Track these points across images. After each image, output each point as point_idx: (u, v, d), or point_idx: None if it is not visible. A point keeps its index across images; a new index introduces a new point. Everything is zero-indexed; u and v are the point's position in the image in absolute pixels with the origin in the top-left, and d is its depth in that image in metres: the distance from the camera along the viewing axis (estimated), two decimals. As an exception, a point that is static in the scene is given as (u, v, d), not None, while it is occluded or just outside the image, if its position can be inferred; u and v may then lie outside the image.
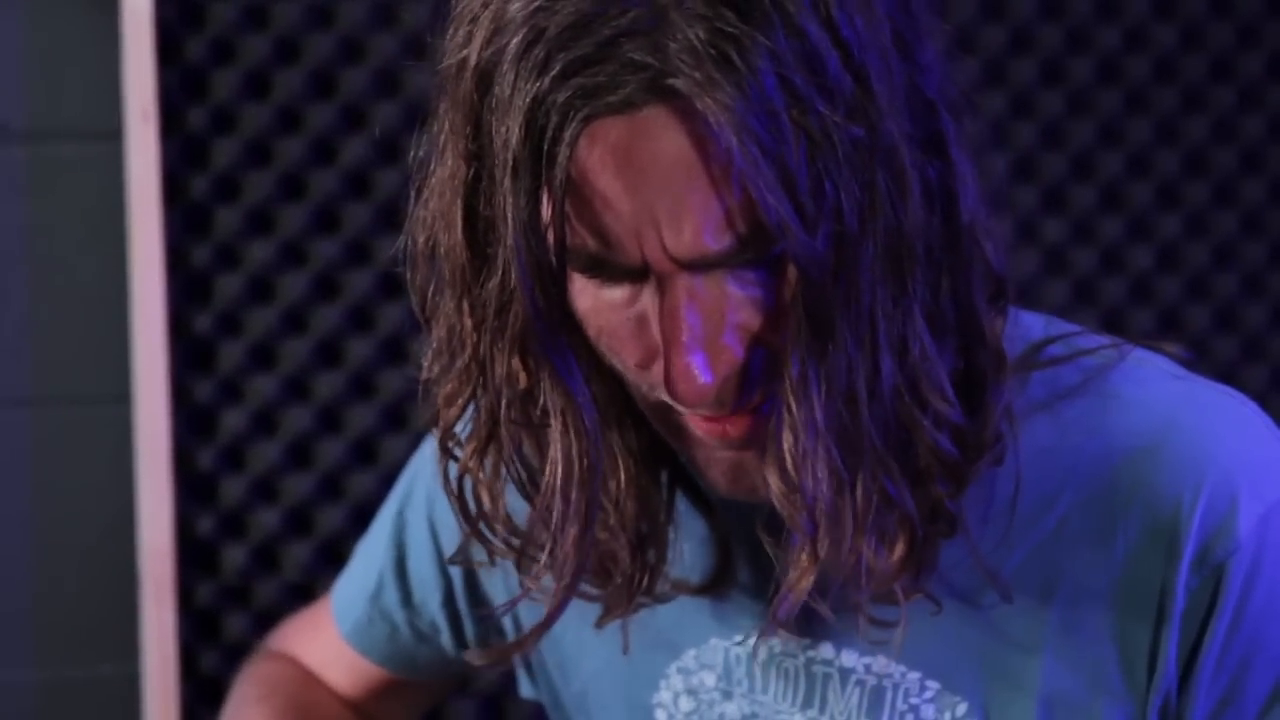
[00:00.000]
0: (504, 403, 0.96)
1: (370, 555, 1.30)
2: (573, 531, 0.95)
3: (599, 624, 1.08)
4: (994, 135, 1.90)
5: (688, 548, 1.09)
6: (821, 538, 0.93)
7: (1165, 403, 1.02)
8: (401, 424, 1.84)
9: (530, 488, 1.00)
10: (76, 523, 1.84)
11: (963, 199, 0.94)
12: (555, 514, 0.96)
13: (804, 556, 0.94)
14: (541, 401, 0.95)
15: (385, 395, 1.84)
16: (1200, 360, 1.90)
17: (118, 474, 1.81)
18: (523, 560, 1.03)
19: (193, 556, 1.83)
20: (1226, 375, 1.93)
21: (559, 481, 0.95)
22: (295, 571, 1.84)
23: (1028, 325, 1.05)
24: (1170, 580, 0.98)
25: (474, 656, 1.16)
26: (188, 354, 1.82)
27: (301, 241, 1.82)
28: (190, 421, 1.82)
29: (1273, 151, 1.97)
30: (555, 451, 0.95)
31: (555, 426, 0.95)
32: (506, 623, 1.21)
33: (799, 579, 0.95)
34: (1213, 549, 0.98)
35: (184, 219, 1.80)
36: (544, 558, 0.98)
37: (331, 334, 1.84)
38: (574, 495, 0.95)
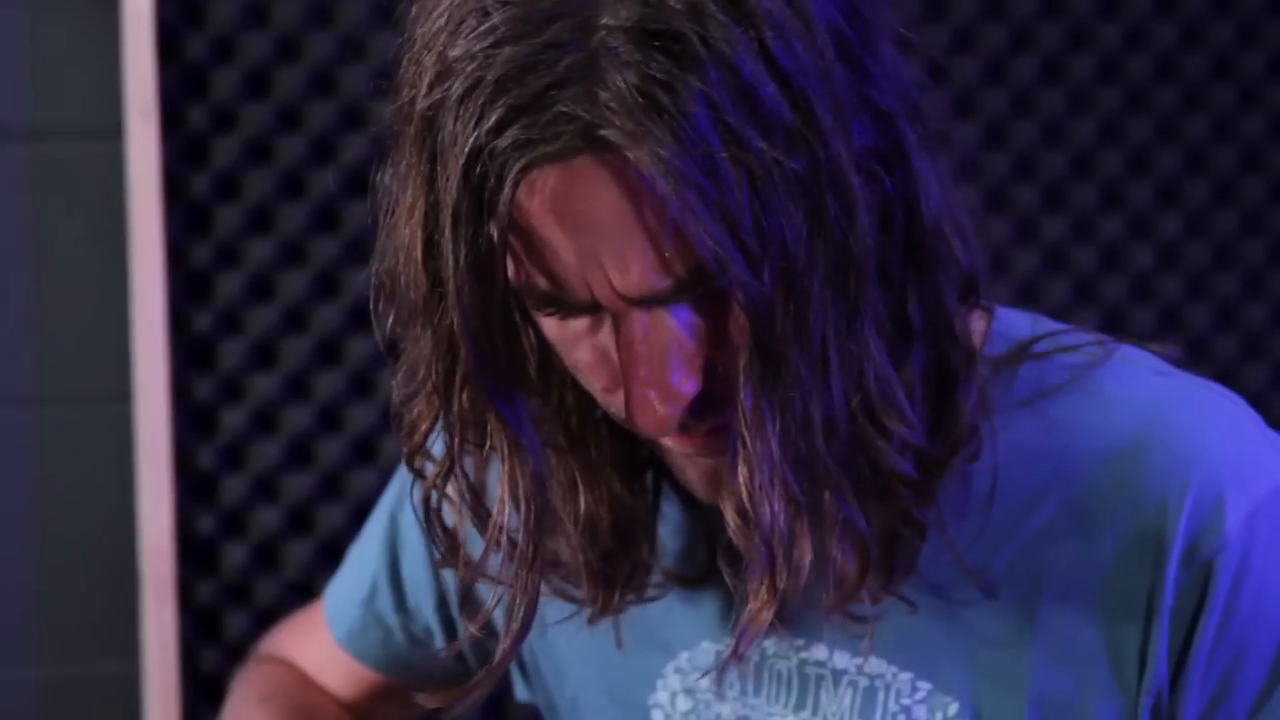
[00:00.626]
0: (459, 434, 0.97)
1: (363, 560, 1.30)
2: (522, 573, 0.96)
3: (590, 621, 1.08)
4: (993, 134, 1.90)
5: (675, 542, 1.10)
6: (779, 569, 0.93)
7: (1151, 400, 1.01)
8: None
9: (481, 523, 1.01)
10: (77, 521, 1.84)
11: (925, 203, 0.93)
12: (502, 553, 0.97)
13: (763, 590, 0.94)
14: (490, 438, 0.96)
15: (385, 394, 1.82)
16: (1200, 359, 1.92)
17: (118, 472, 1.81)
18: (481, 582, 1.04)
19: (193, 555, 1.83)
20: (1226, 374, 1.93)
21: (504, 523, 0.96)
22: (295, 570, 1.84)
23: (1013, 324, 1.05)
24: (1158, 578, 0.98)
25: (454, 649, 1.18)
26: (188, 353, 1.82)
27: (302, 240, 1.83)
28: (191, 420, 1.82)
29: (1273, 150, 1.97)
30: (503, 491, 0.96)
31: (503, 468, 0.95)
32: (499, 624, 1.21)
33: (759, 611, 0.95)
34: (1200, 546, 0.98)
35: (184, 218, 1.81)
36: (495, 591, 0.99)
37: (332, 333, 1.84)
38: (521, 538, 0.96)
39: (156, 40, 1.75)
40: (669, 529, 1.09)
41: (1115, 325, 1.93)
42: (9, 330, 1.81)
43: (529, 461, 0.94)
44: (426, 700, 1.06)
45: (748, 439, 0.90)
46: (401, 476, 1.27)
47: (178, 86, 1.79)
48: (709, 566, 1.08)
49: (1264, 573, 0.98)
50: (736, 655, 0.97)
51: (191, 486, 1.83)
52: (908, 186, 0.92)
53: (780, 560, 0.92)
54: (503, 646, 0.98)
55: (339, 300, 1.83)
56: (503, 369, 0.91)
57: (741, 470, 0.91)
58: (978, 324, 1.03)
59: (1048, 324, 1.06)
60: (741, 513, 0.92)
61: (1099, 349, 1.04)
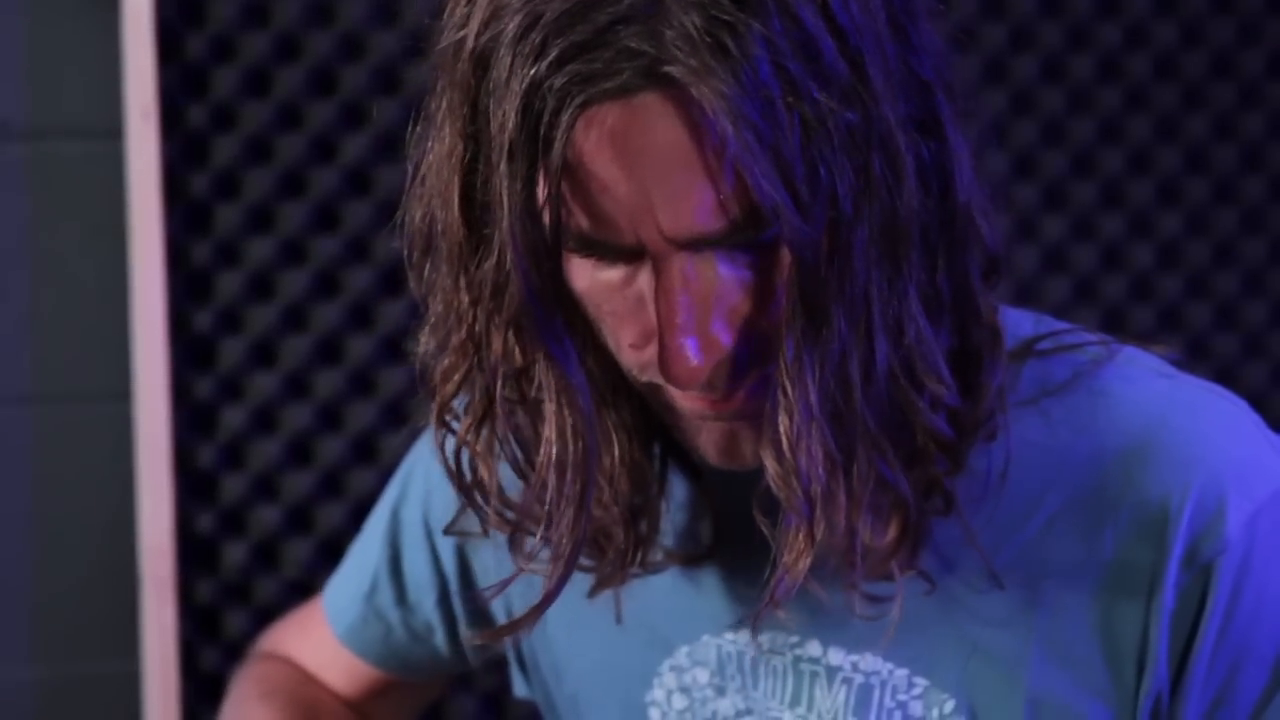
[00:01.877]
0: (499, 380, 0.96)
1: (364, 555, 1.30)
2: (569, 512, 0.96)
3: (591, 595, 1.08)
4: (994, 133, 1.90)
5: (679, 518, 1.10)
6: (818, 518, 0.93)
7: (1154, 401, 1.02)
8: (402, 421, 1.83)
9: (525, 465, 1.01)
10: (77, 520, 1.85)
11: (958, 178, 0.94)
12: (549, 493, 0.96)
13: (800, 537, 0.94)
14: (537, 381, 0.96)
15: (385, 393, 1.84)
16: (1200, 358, 1.92)
17: (118, 471, 1.81)
18: (516, 536, 1.03)
19: (193, 554, 1.83)
20: (1226, 373, 1.94)
21: (553, 463, 0.96)
22: (295, 569, 1.84)
23: (1017, 322, 1.05)
24: (1158, 580, 0.98)
25: (471, 639, 1.17)
26: (188, 351, 1.82)
27: (302, 239, 1.83)
28: (190, 419, 1.82)
29: (1273, 149, 1.97)
30: (550, 431, 0.95)
31: (550, 407, 0.95)
32: (499, 616, 1.21)
33: (795, 560, 0.95)
34: (1201, 548, 0.98)
35: (184, 217, 1.81)
36: (539, 535, 0.98)
37: (331, 332, 1.84)
38: (569, 476, 0.95)
39: (156, 39, 1.76)
40: (673, 506, 1.09)
41: (1115, 324, 1.93)
42: (9, 329, 1.81)
43: (578, 399, 0.94)
44: (470, 640, 1.10)
45: (788, 389, 0.90)
46: (405, 471, 1.27)
47: (178, 86, 1.79)
48: (711, 546, 1.08)
49: (1265, 575, 0.98)
50: (774, 602, 0.96)
51: (191, 485, 1.83)
52: (944, 158, 0.94)
53: (819, 509, 0.92)
54: (548, 588, 0.98)
55: (339, 299, 1.83)
56: (552, 306, 0.91)
57: (782, 419, 0.91)
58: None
59: (1050, 323, 1.06)
60: (780, 460, 0.92)
61: (1102, 349, 1.04)
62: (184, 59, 1.79)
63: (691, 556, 1.09)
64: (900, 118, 0.90)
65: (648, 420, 1.02)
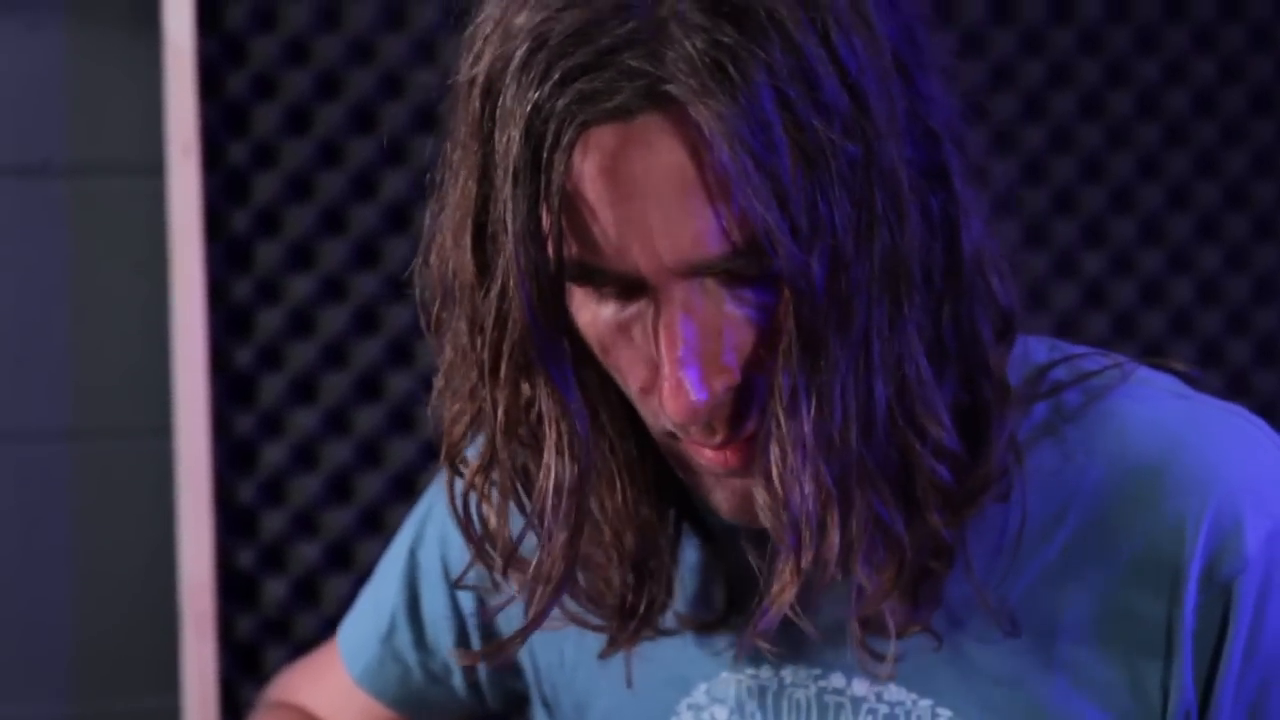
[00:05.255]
0: (504, 417, 0.96)
1: (380, 596, 1.29)
2: (561, 537, 0.95)
3: (603, 655, 1.08)
4: (1003, 138, 1.90)
5: (691, 583, 1.09)
6: (805, 550, 0.92)
7: (1169, 422, 1.01)
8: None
9: (529, 503, 1.00)
10: (117, 555, 1.85)
11: (965, 230, 0.94)
12: (545, 519, 0.96)
13: (787, 569, 0.93)
14: (538, 411, 0.95)
15: (424, 429, 1.84)
16: (1212, 365, 1.91)
17: (158, 507, 1.82)
18: (511, 570, 1.02)
19: (233, 590, 1.83)
20: (1238, 379, 1.93)
21: (550, 485, 0.95)
22: (335, 605, 1.84)
23: (1031, 349, 1.04)
24: (1177, 600, 0.97)
25: (463, 658, 1.18)
26: (228, 387, 1.82)
27: (342, 275, 1.83)
28: (231, 455, 1.83)
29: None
30: (548, 458, 0.95)
31: (549, 436, 0.95)
32: (524, 661, 1.20)
33: (781, 591, 0.94)
34: (1220, 568, 0.97)
35: (225, 253, 1.82)
36: (532, 567, 0.98)
37: (372, 368, 1.84)
38: (564, 501, 0.95)
39: (198, 77, 1.77)
40: (686, 570, 1.08)
41: (1126, 330, 1.94)
42: (51, 364, 1.82)
43: (575, 423, 0.94)
44: (463, 659, 1.10)
45: (782, 420, 0.90)
46: (421, 512, 1.26)
47: (219, 122, 1.80)
48: (725, 611, 1.08)
49: None
50: (756, 634, 0.96)
51: (231, 521, 1.83)
52: (950, 208, 0.93)
53: (807, 542, 0.91)
54: (535, 610, 0.98)
55: (379, 335, 1.84)
56: (554, 331, 0.91)
57: (774, 450, 0.90)
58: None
59: (1065, 348, 1.05)
60: (769, 490, 0.92)
61: (1116, 371, 1.03)
62: (225, 96, 1.80)
63: (705, 624, 1.08)
64: (904, 159, 0.89)
65: (662, 480, 1.02)
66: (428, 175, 0.97)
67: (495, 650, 1.11)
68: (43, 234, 1.81)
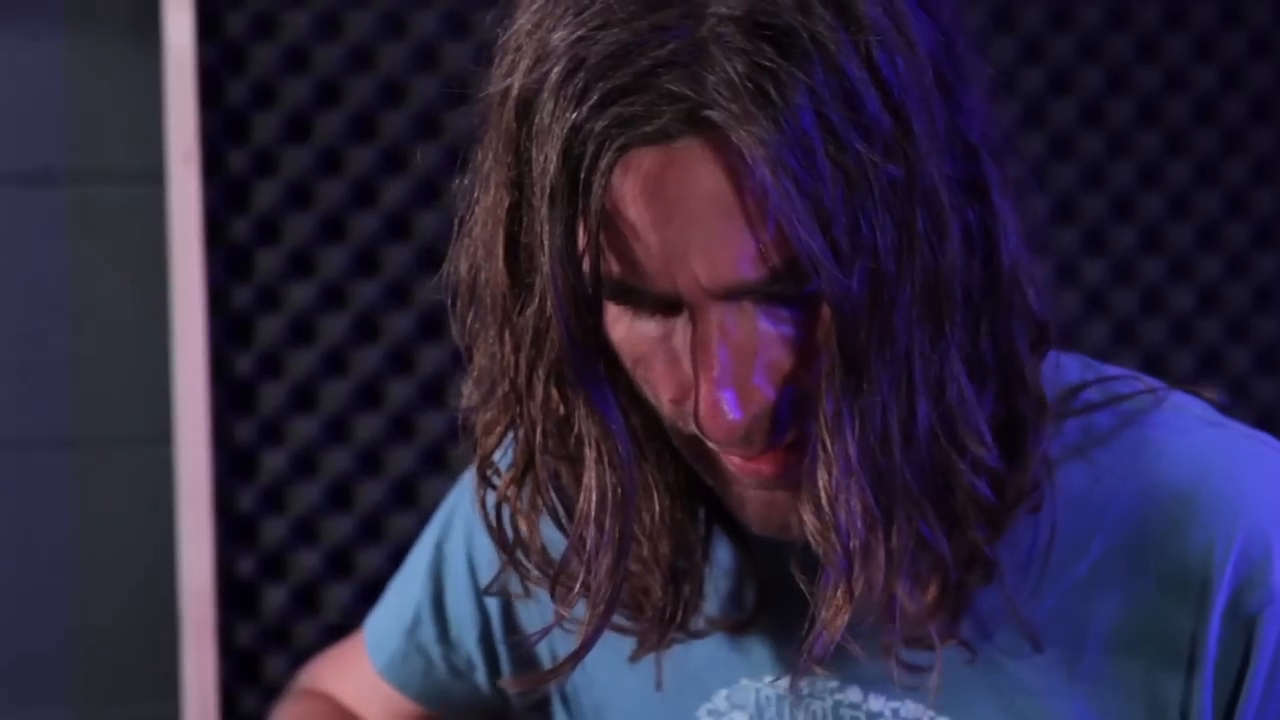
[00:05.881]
0: (540, 432, 0.96)
1: (406, 590, 1.29)
2: (606, 561, 0.95)
3: (633, 658, 1.08)
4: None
5: (722, 584, 1.09)
6: (856, 575, 0.91)
7: (1200, 450, 1.00)
8: (442, 466, 1.84)
9: (565, 517, 1.00)
10: (117, 563, 1.85)
11: (1003, 243, 0.93)
12: (589, 542, 0.95)
13: (839, 594, 0.93)
14: (577, 430, 0.94)
15: (425, 437, 1.84)
16: (1212, 372, 1.92)
17: (158, 515, 1.82)
18: (557, 589, 1.02)
19: (233, 598, 1.83)
20: (1238, 387, 1.94)
21: (593, 510, 0.94)
22: (335, 613, 1.84)
23: (1065, 368, 1.04)
24: (1201, 630, 0.97)
25: (509, 684, 1.17)
26: (229, 395, 1.82)
27: (342, 283, 1.83)
28: (231, 463, 1.83)
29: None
30: (590, 479, 0.94)
31: (589, 455, 0.94)
32: (543, 656, 1.21)
33: (833, 617, 0.93)
34: (1246, 600, 0.96)
35: (225, 261, 1.81)
36: (578, 586, 0.97)
37: (372, 376, 1.84)
38: (608, 524, 0.94)
39: (198, 85, 1.77)
40: (717, 572, 1.08)
41: (1126, 338, 1.95)
42: (51, 373, 1.82)
43: (617, 445, 0.93)
44: (509, 686, 1.08)
45: (828, 443, 0.89)
46: (448, 507, 1.27)
47: (219, 130, 1.80)
48: (755, 612, 1.08)
49: None
50: (811, 659, 0.95)
51: (232, 529, 1.83)
52: (989, 222, 0.93)
53: (858, 566, 0.91)
54: (584, 637, 0.96)
55: (379, 343, 1.84)
56: (593, 352, 0.91)
57: (821, 473, 0.90)
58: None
59: (1099, 369, 1.05)
60: (819, 515, 0.91)
61: (1149, 396, 1.03)
62: (225, 104, 1.80)
63: (735, 624, 1.08)
64: (945, 176, 0.88)
65: (691, 483, 1.01)
66: (457, 181, 0.96)
67: (542, 678, 1.11)
68: (43, 242, 1.81)
